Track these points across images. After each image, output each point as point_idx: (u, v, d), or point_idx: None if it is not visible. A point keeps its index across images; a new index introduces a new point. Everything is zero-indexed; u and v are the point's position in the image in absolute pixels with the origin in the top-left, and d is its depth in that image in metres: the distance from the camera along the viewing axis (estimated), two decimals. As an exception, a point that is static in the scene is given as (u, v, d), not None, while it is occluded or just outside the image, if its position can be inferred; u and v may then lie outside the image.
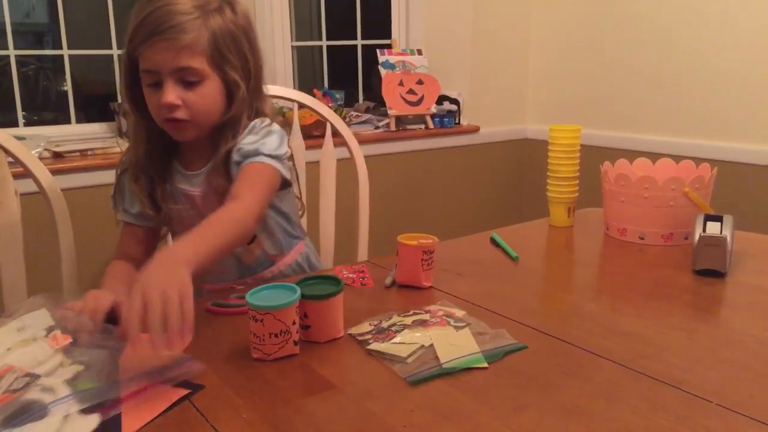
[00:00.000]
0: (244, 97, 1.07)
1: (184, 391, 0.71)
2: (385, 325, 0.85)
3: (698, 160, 1.31)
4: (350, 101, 2.73)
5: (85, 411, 0.66)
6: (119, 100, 2.14)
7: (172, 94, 1.00)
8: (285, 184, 1.11)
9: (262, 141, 1.05)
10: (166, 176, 1.13)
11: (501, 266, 1.14)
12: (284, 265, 1.20)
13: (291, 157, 1.15)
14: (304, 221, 1.44)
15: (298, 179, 1.27)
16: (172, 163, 1.13)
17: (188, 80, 1.01)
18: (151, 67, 1.00)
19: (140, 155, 1.10)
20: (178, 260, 0.79)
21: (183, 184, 1.12)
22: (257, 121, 1.09)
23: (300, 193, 1.29)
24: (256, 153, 1.04)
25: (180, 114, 1.01)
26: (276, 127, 1.10)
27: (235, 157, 1.05)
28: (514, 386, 0.71)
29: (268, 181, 1.05)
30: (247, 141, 1.05)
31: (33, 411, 0.65)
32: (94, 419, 0.65)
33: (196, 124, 1.04)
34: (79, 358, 0.74)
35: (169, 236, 1.22)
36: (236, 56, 1.05)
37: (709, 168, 1.26)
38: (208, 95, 1.03)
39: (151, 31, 0.97)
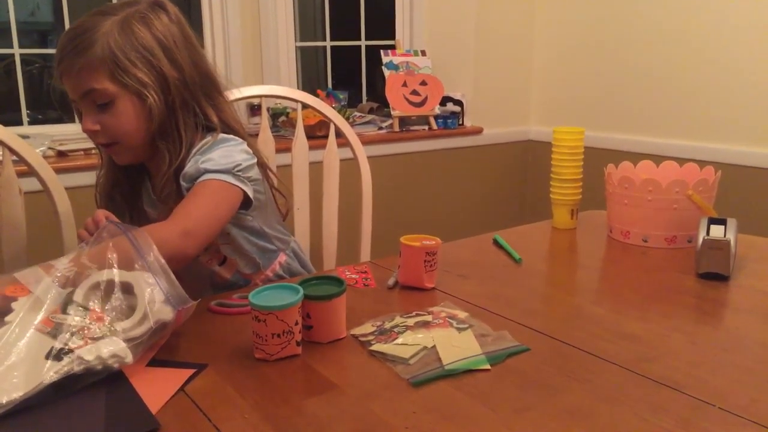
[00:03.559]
0: (158, 108, 1.00)
1: (191, 371, 0.74)
2: (387, 326, 0.85)
3: (702, 163, 1.30)
4: (354, 102, 2.73)
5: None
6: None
7: (88, 120, 0.99)
8: (248, 199, 1.04)
9: (206, 158, 0.99)
10: (136, 200, 1.11)
11: (504, 268, 1.14)
12: (261, 280, 1.17)
13: (262, 165, 1.09)
14: (304, 221, 1.45)
15: (270, 180, 1.18)
16: (143, 186, 1.11)
17: (99, 103, 0.98)
18: (70, 96, 1.00)
19: (106, 182, 1.09)
20: None
21: (149, 207, 1.11)
22: (208, 140, 1.03)
23: (279, 195, 1.21)
24: (201, 172, 0.98)
25: (101, 139, 1.00)
26: (223, 137, 1.04)
27: (184, 184, 1.00)
28: (516, 388, 0.71)
29: (212, 195, 0.98)
30: (190, 164, 1.00)
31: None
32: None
33: (124, 146, 1.01)
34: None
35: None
36: (144, 69, 0.99)
37: (713, 171, 1.26)
38: (122, 114, 0.99)
39: (58, 60, 0.97)
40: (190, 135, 1.03)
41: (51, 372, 0.68)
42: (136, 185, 1.12)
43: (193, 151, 1.03)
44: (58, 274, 0.77)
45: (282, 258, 1.21)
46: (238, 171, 1.01)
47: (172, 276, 0.80)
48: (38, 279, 0.76)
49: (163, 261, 0.80)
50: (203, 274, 1.13)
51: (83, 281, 0.76)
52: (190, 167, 1.00)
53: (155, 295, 0.77)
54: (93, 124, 0.98)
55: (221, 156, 1.00)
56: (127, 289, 0.77)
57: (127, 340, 0.73)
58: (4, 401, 0.65)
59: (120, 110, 0.99)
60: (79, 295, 0.75)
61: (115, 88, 0.98)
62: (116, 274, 0.77)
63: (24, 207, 1.19)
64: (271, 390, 0.71)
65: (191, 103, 1.04)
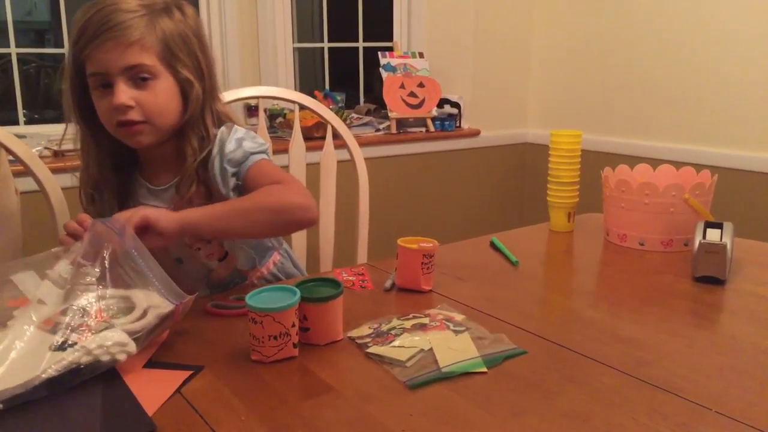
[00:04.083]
0: (199, 96, 1.03)
1: (187, 373, 0.74)
2: (384, 328, 0.85)
3: (699, 167, 1.31)
4: (351, 103, 2.73)
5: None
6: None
7: (123, 94, 0.96)
8: None
9: (242, 145, 1.04)
10: (128, 193, 1.09)
11: (501, 271, 1.14)
12: (256, 278, 1.17)
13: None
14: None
15: None
16: (133, 178, 1.10)
17: (139, 79, 0.98)
18: (99, 69, 0.97)
19: (93, 173, 1.06)
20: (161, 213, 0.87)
21: (150, 200, 1.08)
22: (224, 130, 1.06)
23: None
24: (248, 154, 1.04)
25: (133, 115, 0.98)
26: (237, 127, 1.08)
27: (229, 168, 1.03)
28: (512, 391, 0.71)
29: (276, 171, 1.05)
30: (229, 150, 1.03)
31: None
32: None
33: (152, 126, 1.00)
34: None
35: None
36: (187, 56, 1.02)
37: (709, 175, 1.26)
38: (161, 93, 1.00)
39: (97, 30, 0.95)
40: (210, 126, 1.06)
41: (54, 362, 0.68)
42: (128, 182, 1.11)
43: (217, 140, 1.05)
44: (60, 276, 0.77)
45: (276, 257, 1.21)
46: (267, 152, 1.08)
47: (165, 274, 0.81)
48: (36, 284, 0.77)
49: (154, 260, 0.81)
50: (200, 272, 1.13)
51: (83, 294, 0.77)
52: (234, 151, 1.03)
53: (152, 295, 0.78)
54: (128, 99, 0.97)
55: (251, 138, 1.06)
56: (126, 299, 0.78)
57: (128, 333, 0.74)
58: (8, 390, 0.65)
59: (160, 89, 1.00)
60: (79, 302, 0.75)
61: (161, 67, 1.00)
62: (113, 292, 0.78)
63: (20, 206, 1.19)
64: (267, 392, 0.71)
65: (213, 96, 1.08)
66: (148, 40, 0.98)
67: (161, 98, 1.00)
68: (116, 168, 1.09)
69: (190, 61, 1.03)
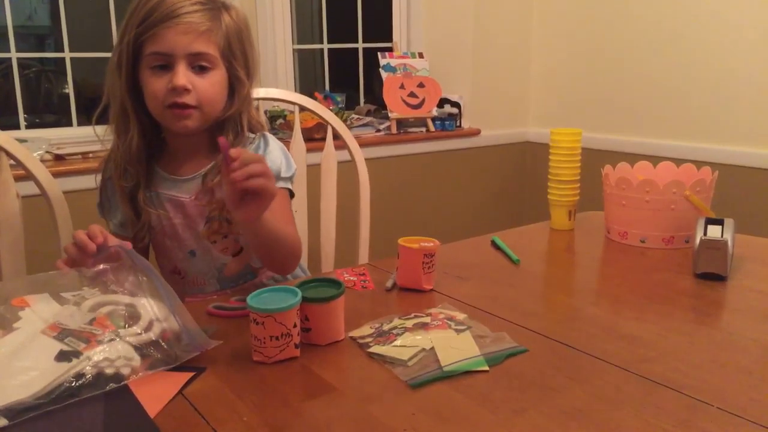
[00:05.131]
0: (249, 94, 1.10)
1: (189, 374, 0.74)
2: (386, 328, 0.85)
3: (699, 164, 1.31)
4: (351, 104, 2.73)
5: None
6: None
7: (184, 77, 1.00)
8: None
9: (277, 159, 1.09)
10: (149, 180, 1.11)
11: (502, 269, 1.14)
12: (266, 276, 1.18)
13: None
14: (302, 224, 1.45)
15: None
16: (153, 168, 1.11)
17: (199, 66, 1.02)
18: (164, 49, 1.00)
19: (133, 150, 1.07)
20: None
21: (171, 190, 1.10)
22: (267, 135, 1.13)
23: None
24: (278, 177, 1.07)
25: (188, 99, 1.01)
26: (272, 140, 1.13)
27: None
28: (514, 389, 0.71)
29: (288, 205, 1.12)
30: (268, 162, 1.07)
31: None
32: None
33: (201, 113, 1.04)
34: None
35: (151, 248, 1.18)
36: (241, 54, 1.08)
37: (710, 171, 1.26)
38: (217, 84, 1.05)
39: (171, 13, 0.98)
40: (245, 124, 1.11)
41: (59, 373, 0.68)
42: (148, 172, 1.11)
43: (254, 144, 1.11)
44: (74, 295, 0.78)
45: None
46: (294, 176, 1.13)
47: (190, 317, 0.81)
48: (50, 306, 0.78)
49: (180, 303, 0.81)
50: (211, 266, 1.14)
51: (90, 297, 0.78)
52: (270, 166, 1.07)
53: (156, 305, 0.79)
54: (188, 82, 1.01)
55: (286, 161, 1.11)
56: (133, 308, 0.79)
57: (133, 346, 0.74)
58: (13, 405, 0.65)
59: (216, 79, 1.04)
60: (84, 305, 0.76)
61: (220, 60, 1.05)
62: (118, 298, 0.79)
63: (21, 211, 1.19)
64: (269, 393, 0.71)
65: (251, 97, 1.13)
66: (215, 32, 1.03)
67: (216, 88, 1.05)
68: (147, 154, 1.10)
69: (243, 60, 1.08)
